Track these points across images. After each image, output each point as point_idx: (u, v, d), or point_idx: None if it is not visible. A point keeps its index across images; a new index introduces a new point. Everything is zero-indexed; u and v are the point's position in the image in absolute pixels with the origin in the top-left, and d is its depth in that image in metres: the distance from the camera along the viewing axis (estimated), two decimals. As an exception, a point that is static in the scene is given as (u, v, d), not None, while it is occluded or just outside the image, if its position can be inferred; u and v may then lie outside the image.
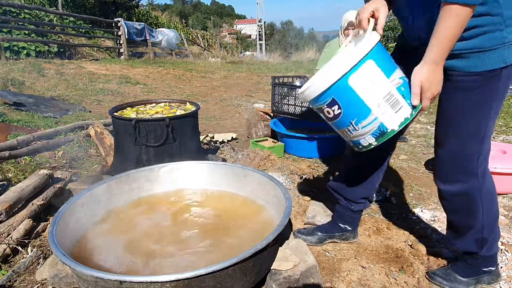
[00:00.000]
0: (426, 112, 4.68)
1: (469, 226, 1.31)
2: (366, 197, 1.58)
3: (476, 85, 1.12)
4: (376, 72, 1.05)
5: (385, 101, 1.07)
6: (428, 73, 1.05)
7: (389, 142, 1.23)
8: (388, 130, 1.09)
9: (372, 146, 1.15)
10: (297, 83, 3.24)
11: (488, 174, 1.28)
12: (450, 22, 0.97)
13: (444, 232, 1.58)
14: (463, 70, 1.11)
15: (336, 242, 1.65)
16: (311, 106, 1.25)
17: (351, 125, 1.12)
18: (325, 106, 1.12)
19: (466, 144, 1.20)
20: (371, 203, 1.65)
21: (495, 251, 1.36)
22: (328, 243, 1.65)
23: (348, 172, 1.59)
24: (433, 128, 1.33)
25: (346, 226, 1.64)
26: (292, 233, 1.67)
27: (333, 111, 1.11)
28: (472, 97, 1.14)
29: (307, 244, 1.47)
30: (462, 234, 1.35)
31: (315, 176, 2.48)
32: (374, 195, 1.75)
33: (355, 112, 1.09)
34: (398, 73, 1.11)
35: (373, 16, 1.15)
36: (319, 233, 1.65)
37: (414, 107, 1.09)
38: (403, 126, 1.11)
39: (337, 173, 2.65)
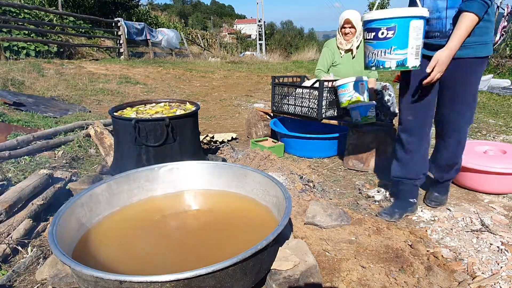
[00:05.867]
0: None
1: (457, 162, 1.95)
2: (424, 173, 1.98)
3: (478, 66, 1.69)
4: (422, 29, 1.54)
5: (416, 48, 1.55)
6: (446, 56, 1.58)
7: (425, 137, 1.88)
8: (406, 64, 1.57)
9: (390, 69, 1.61)
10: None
11: None
12: (467, 25, 1.53)
13: (444, 231, 1.81)
14: (471, 56, 1.66)
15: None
16: (369, 25, 1.61)
17: (390, 49, 1.56)
18: (385, 28, 1.55)
19: (470, 110, 1.79)
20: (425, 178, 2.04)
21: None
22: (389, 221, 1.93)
23: (403, 160, 1.95)
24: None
25: (414, 199, 2.01)
26: (377, 213, 1.98)
27: (388, 34, 1.55)
28: (477, 75, 1.72)
29: (386, 221, 1.90)
30: (451, 169, 1.98)
31: (315, 176, 2.48)
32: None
33: (399, 43, 1.54)
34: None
35: None
36: (398, 211, 1.96)
37: (419, 65, 1.59)
38: (408, 70, 1.63)
39: (336, 172, 2.65)
